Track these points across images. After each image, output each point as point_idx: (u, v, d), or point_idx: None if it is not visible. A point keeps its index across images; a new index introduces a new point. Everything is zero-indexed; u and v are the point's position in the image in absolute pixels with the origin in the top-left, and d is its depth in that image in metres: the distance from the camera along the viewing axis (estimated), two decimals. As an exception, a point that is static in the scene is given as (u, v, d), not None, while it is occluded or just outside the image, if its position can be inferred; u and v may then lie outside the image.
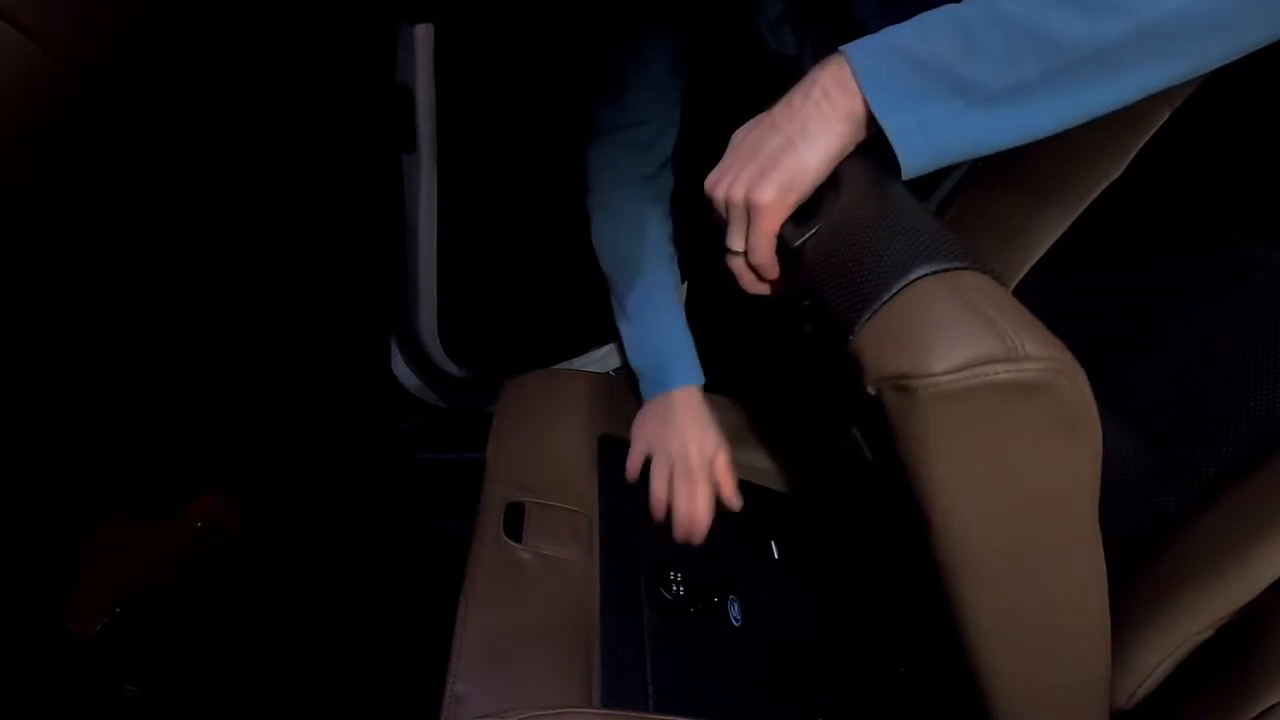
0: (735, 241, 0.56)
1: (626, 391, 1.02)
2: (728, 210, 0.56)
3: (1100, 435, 0.41)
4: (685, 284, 1.40)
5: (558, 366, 1.18)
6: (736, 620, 0.78)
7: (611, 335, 1.34)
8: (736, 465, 0.86)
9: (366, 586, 1.15)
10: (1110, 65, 0.45)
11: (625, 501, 0.88)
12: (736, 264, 0.58)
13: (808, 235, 0.50)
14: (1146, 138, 0.73)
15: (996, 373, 0.38)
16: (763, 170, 0.53)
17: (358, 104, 1.04)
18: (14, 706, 0.92)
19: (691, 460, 0.84)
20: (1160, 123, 0.73)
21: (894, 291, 0.41)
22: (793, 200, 0.53)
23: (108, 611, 1.00)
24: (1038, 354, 0.38)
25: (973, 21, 0.47)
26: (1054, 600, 0.48)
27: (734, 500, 0.84)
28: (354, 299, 1.18)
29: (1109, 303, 0.69)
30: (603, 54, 0.84)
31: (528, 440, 0.92)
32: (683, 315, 0.93)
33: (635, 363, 0.93)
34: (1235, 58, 0.45)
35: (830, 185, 0.52)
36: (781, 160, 0.53)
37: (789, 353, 0.91)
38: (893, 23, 0.51)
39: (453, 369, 1.25)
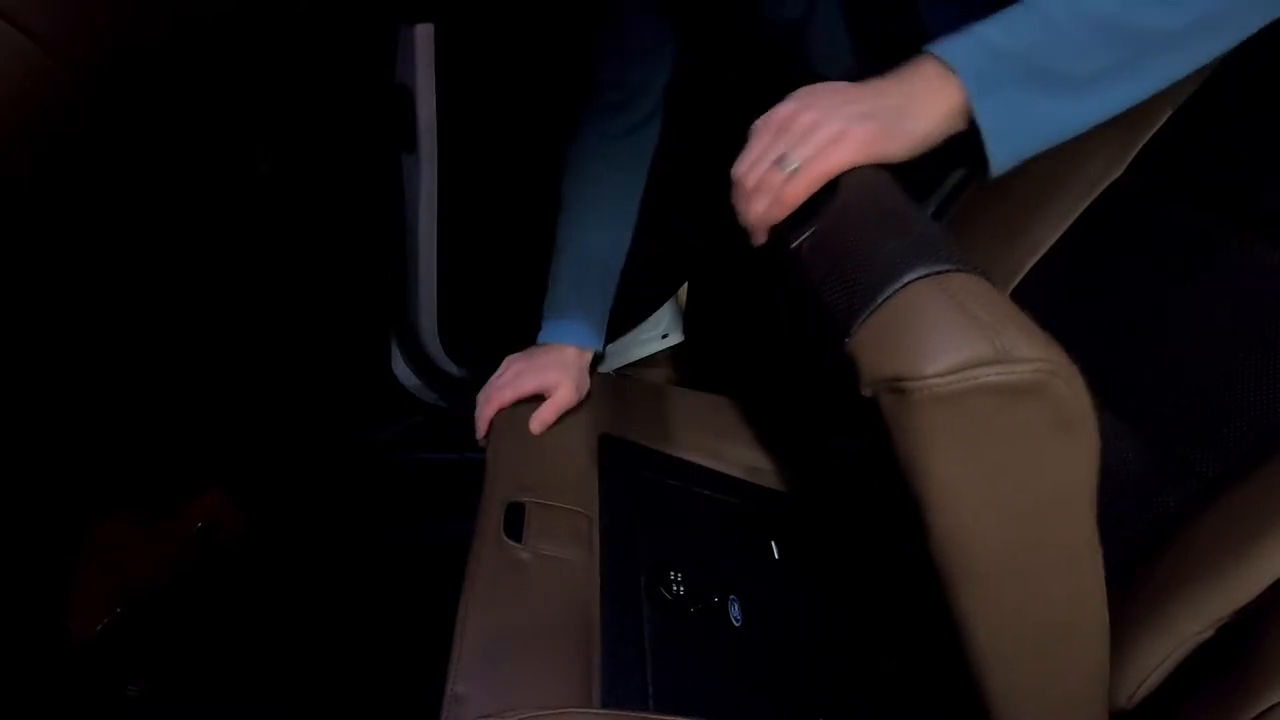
0: (797, 155, 0.52)
1: (626, 391, 1.02)
2: (796, 132, 0.52)
3: (1097, 436, 0.41)
4: (685, 284, 1.40)
5: (558, 367, 1.18)
6: (737, 620, 0.78)
7: (612, 335, 1.35)
8: (736, 465, 0.86)
9: (366, 586, 1.15)
10: (1176, 48, 0.51)
11: (625, 501, 0.88)
12: (775, 180, 0.53)
13: (805, 236, 0.50)
14: (1147, 138, 0.73)
15: (988, 375, 0.38)
16: (868, 116, 0.52)
17: (358, 104, 1.04)
18: (14, 706, 0.92)
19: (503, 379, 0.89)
20: (1160, 123, 0.73)
21: (888, 294, 0.41)
22: (881, 149, 0.51)
23: (108, 611, 1.00)
24: (1029, 355, 0.38)
25: (1058, 16, 0.51)
26: (1053, 600, 0.48)
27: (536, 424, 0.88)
28: (354, 299, 1.18)
29: (1109, 303, 0.69)
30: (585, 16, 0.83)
31: (528, 440, 0.92)
32: (594, 275, 0.94)
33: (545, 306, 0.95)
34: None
35: (828, 187, 0.52)
36: (889, 119, 0.52)
37: (789, 353, 0.91)
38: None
39: (453, 369, 1.25)
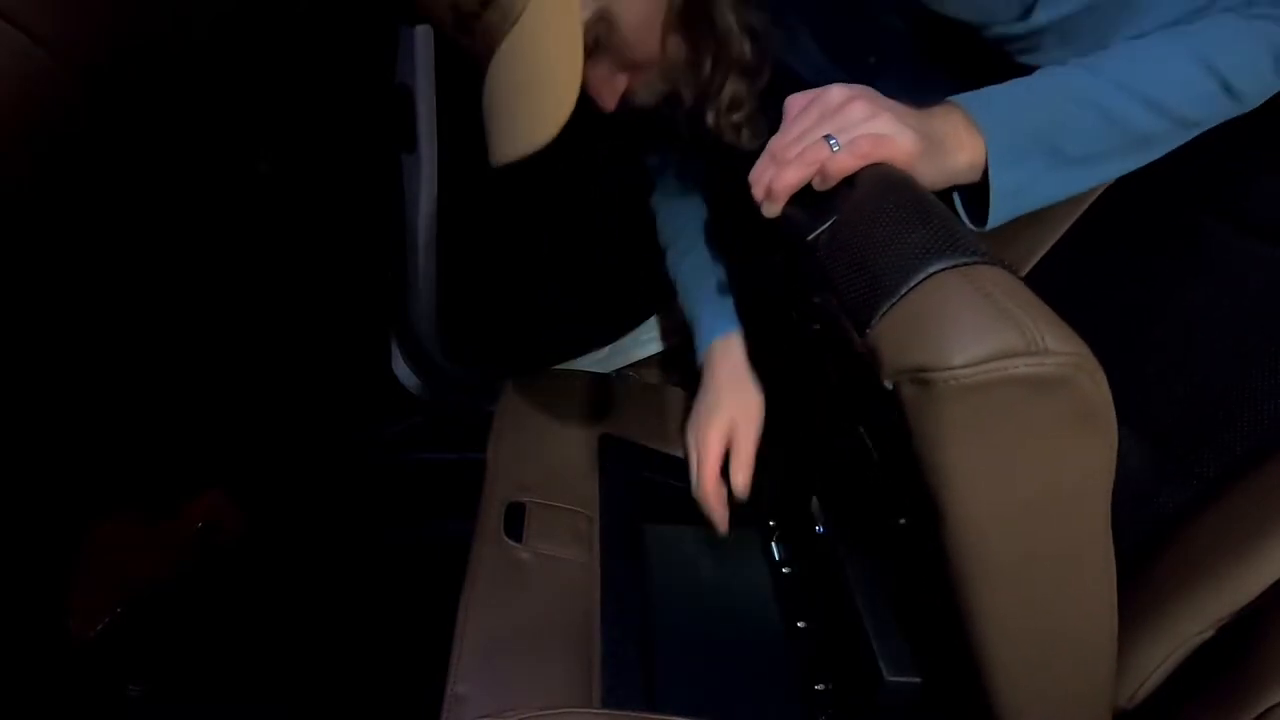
0: (846, 136, 0.53)
1: (627, 392, 1.02)
2: (848, 116, 0.53)
3: (1116, 432, 0.41)
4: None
5: (558, 367, 1.18)
6: (737, 620, 0.78)
7: (612, 336, 1.35)
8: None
9: (367, 586, 1.15)
10: (1153, 143, 0.59)
11: (625, 501, 0.88)
12: (820, 152, 0.54)
13: (823, 228, 0.49)
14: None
15: (1016, 367, 0.38)
16: (916, 130, 0.53)
17: (358, 104, 1.04)
18: (14, 706, 0.92)
19: (714, 419, 0.83)
20: (1161, 123, 0.72)
21: (912, 285, 0.41)
22: (916, 166, 0.53)
23: (108, 611, 1.00)
24: (1058, 349, 0.38)
25: (1075, 100, 0.57)
26: (1065, 597, 0.48)
27: (740, 487, 0.81)
28: (354, 299, 1.18)
29: (1109, 303, 0.69)
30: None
31: (528, 440, 0.92)
32: (712, 271, 0.90)
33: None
34: None
35: (845, 181, 0.52)
36: (930, 143, 0.54)
37: (791, 351, 0.91)
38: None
39: (453, 369, 1.25)
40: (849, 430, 0.73)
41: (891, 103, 0.55)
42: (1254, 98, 0.58)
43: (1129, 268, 0.70)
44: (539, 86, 0.58)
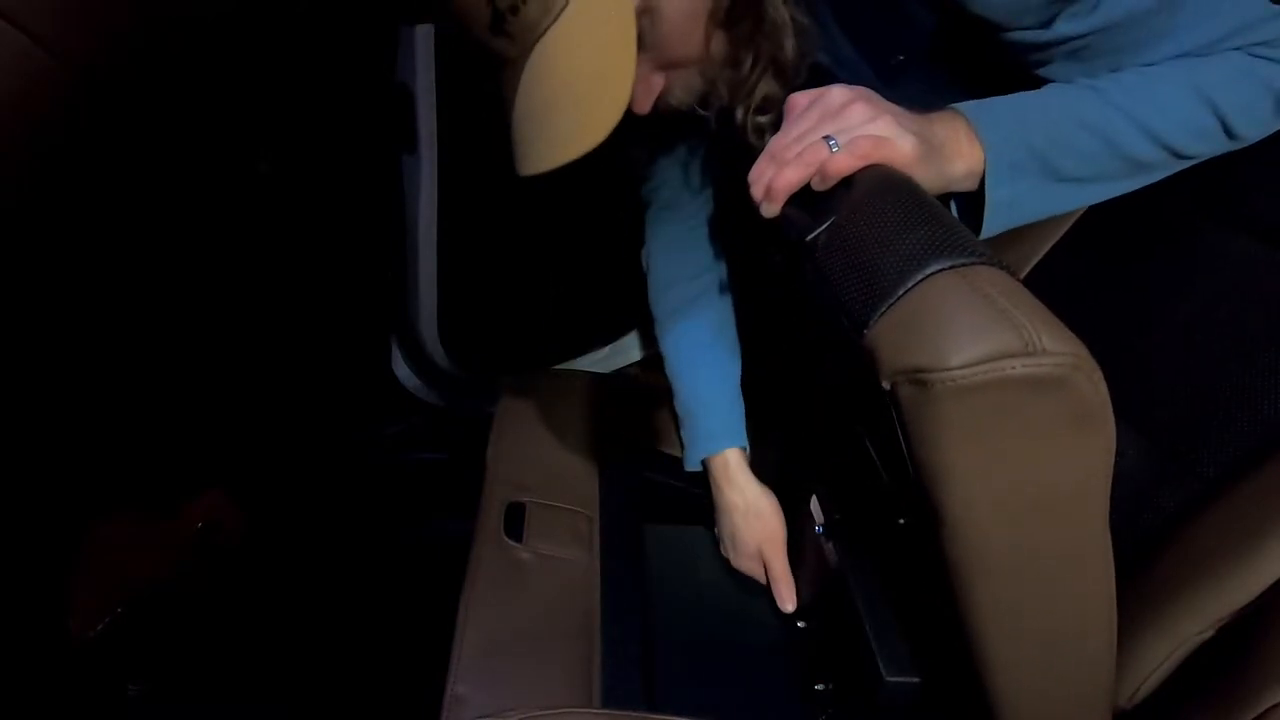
0: (845, 137, 0.53)
1: (626, 392, 1.02)
2: (848, 118, 0.53)
3: (1114, 432, 0.41)
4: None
5: (558, 367, 1.18)
6: (737, 619, 0.78)
7: (612, 336, 1.35)
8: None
9: (367, 586, 1.15)
10: (1148, 170, 0.60)
11: (625, 501, 0.88)
12: (820, 153, 0.53)
13: (822, 229, 0.49)
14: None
15: (1014, 367, 0.38)
16: (916, 135, 0.53)
17: (358, 104, 1.04)
18: (14, 706, 0.92)
19: (743, 548, 0.83)
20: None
21: (910, 285, 0.41)
22: (915, 170, 0.53)
23: (108, 611, 1.00)
24: (1055, 349, 0.38)
25: (1078, 121, 0.58)
26: (1063, 597, 0.48)
27: (787, 603, 0.80)
28: (354, 299, 1.18)
29: (1109, 303, 0.69)
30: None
31: (528, 440, 0.92)
32: (719, 376, 0.87)
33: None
34: None
35: (844, 182, 0.52)
36: (930, 148, 0.54)
37: (790, 351, 0.91)
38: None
39: (453, 369, 1.25)
40: (849, 430, 0.73)
41: (893, 106, 0.55)
42: (1251, 137, 0.60)
43: (1129, 269, 0.70)
44: (587, 85, 0.56)
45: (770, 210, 0.55)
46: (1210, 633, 0.55)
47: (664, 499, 0.89)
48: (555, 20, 0.54)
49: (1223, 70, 0.57)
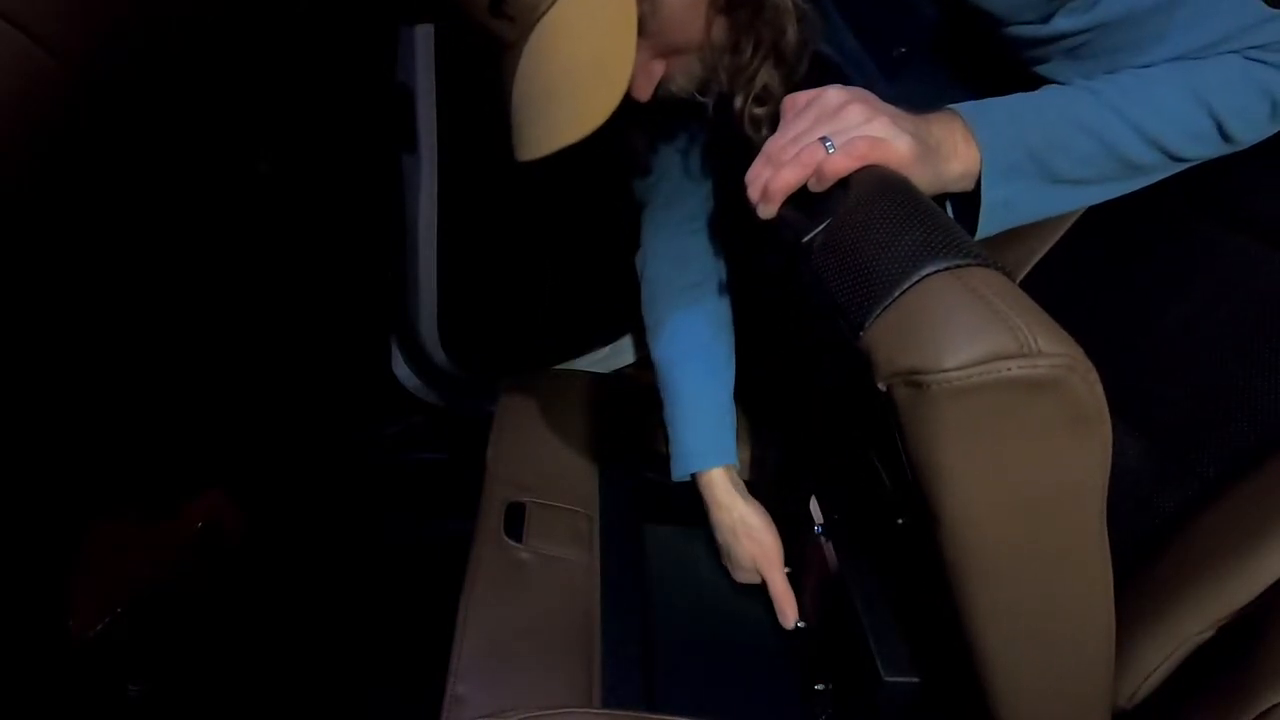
0: (841, 139, 0.53)
1: (627, 392, 1.02)
2: (845, 119, 0.53)
3: (1110, 434, 0.41)
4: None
5: (558, 367, 1.18)
6: (737, 619, 0.78)
7: (612, 336, 1.35)
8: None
9: (367, 586, 1.15)
10: (1144, 173, 0.61)
11: (625, 501, 0.88)
12: (816, 154, 0.53)
13: (818, 230, 0.49)
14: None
15: (1009, 369, 0.38)
16: (912, 135, 0.53)
17: (358, 104, 1.04)
18: (14, 706, 0.92)
19: (737, 564, 0.82)
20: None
21: (906, 287, 0.41)
22: (912, 171, 0.53)
23: (108, 611, 1.00)
24: (1051, 350, 0.38)
25: (1074, 123, 0.58)
26: (1061, 598, 0.48)
27: (789, 619, 0.79)
28: (354, 299, 1.18)
29: (1109, 303, 0.69)
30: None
31: (528, 440, 0.92)
32: (711, 390, 0.85)
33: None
34: None
35: (840, 183, 0.52)
36: (926, 149, 0.54)
37: (789, 351, 0.91)
38: None
39: (453, 369, 1.25)
40: (847, 431, 0.73)
41: (889, 107, 0.55)
42: (1247, 140, 0.60)
43: (1128, 268, 0.70)
44: (586, 69, 0.55)
45: (767, 211, 0.55)
46: (1210, 633, 0.55)
47: (664, 499, 0.88)
48: (555, 2, 0.53)
49: (1219, 73, 0.57)
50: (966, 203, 0.60)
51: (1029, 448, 0.41)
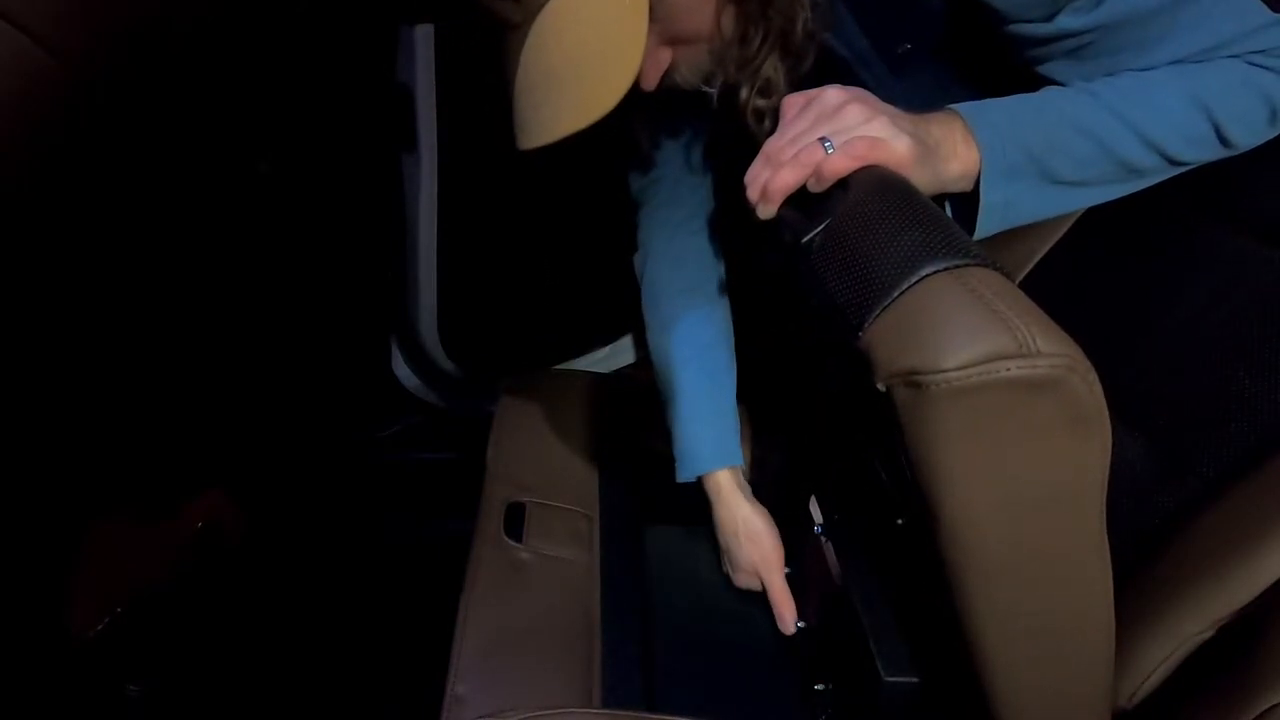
0: (840, 139, 0.53)
1: (627, 392, 1.02)
2: (844, 119, 0.53)
3: (1109, 434, 0.41)
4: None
5: (558, 367, 1.18)
6: (737, 619, 0.78)
7: (612, 336, 1.35)
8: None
9: (367, 586, 1.15)
10: (1142, 176, 0.61)
11: (625, 501, 0.88)
12: (815, 155, 0.53)
13: (817, 231, 0.50)
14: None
15: (1008, 369, 0.38)
16: (912, 135, 0.53)
17: (358, 104, 1.04)
18: (14, 706, 0.92)
19: (738, 567, 0.81)
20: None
21: (905, 287, 0.41)
22: (911, 171, 0.53)
23: (108, 611, 1.00)
24: (1050, 350, 0.38)
25: (1074, 125, 0.58)
26: (1060, 598, 0.48)
27: (788, 624, 0.78)
28: (354, 299, 1.18)
29: (1110, 303, 0.69)
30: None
31: (528, 440, 0.92)
32: (714, 391, 0.83)
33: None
34: None
35: (840, 183, 0.52)
36: (925, 149, 0.54)
37: (789, 351, 0.91)
38: None
39: (453, 369, 1.25)
40: (848, 431, 0.73)
41: (888, 107, 0.55)
42: (1244, 145, 0.60)
43: (1128, 268, 0.70)
44: (595, 53, 0.54)
45: (766, 212, 0.55)
46: (1210, 633, 0.55)
47: (664, 499, 0.88)
48: None
49: (1219, 77, 0.58)
50: (965, 203, 0.60)
51: (1028, 448, 0.41)
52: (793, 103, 0.56)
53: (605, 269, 1.19)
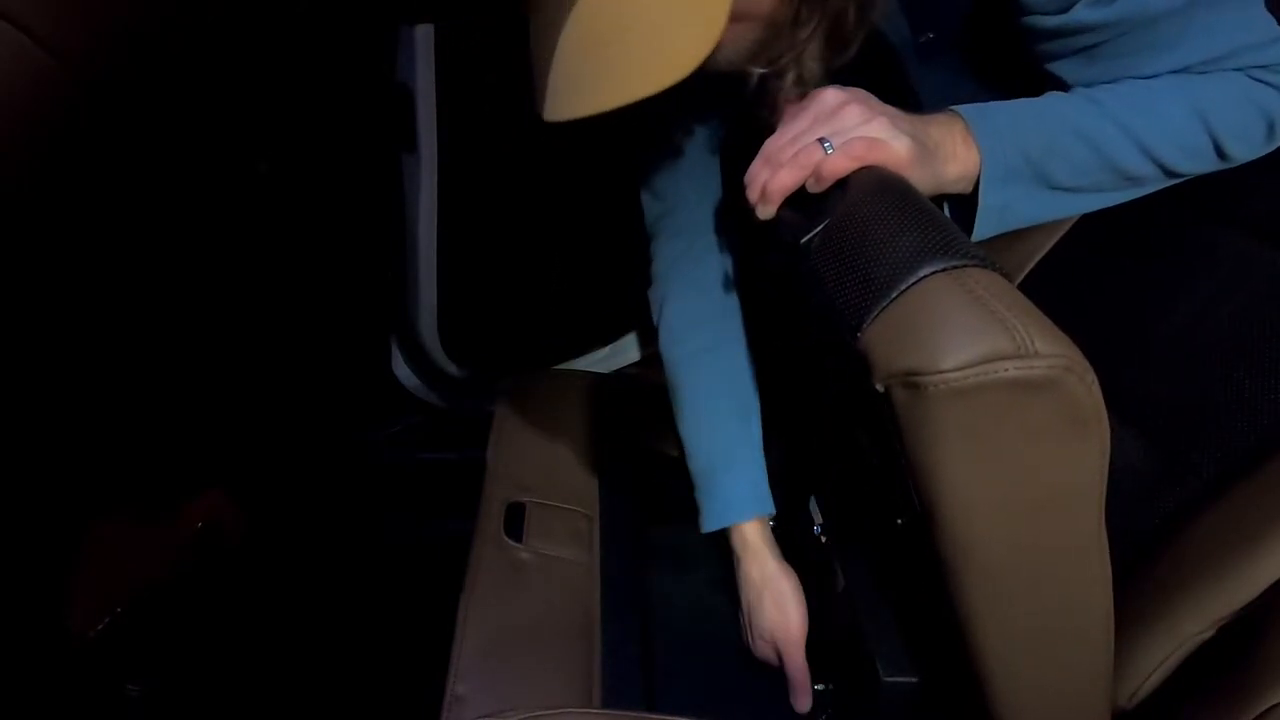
0: (839, 139, 0.52)
1: (627, 392, 1.02)
2: (843, 120, 0.53)
3: (1108, 435, 0.41)
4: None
5: (558, 367, 1.18)
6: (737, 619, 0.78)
7: (612, 336, 1.35)
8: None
9: (367, 586, 1.15)
10: (1139, 184, 0.62)
11: (625, 501, 0.88)
12: (814, 155, 0.52)
13: (815, 232, 0.50)
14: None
15: (1006, 369, 0.38)
16: (911, 136, 0.53)
17: (358, 104, 1.04)
18: (14, 706, 0.92)
19: (756, 630, 0.75)
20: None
21: (903, 288, 0.41)
22: (910, 172, 0.52)
23: (108, 611, 1.00)
24: (1048, 351, 0.38)
25: (1074, 132, 0.58)
26: (1059, 599, 0.48)
27: (801, 701, 0.72)
28: (354, 299, 1.18)
29: (1110, 303, 0.69)
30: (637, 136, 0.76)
31: (528, 440, 0.92)
32: (744, 433, 0.79)
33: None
34: None
35: (839, 184, 0.52)
36: (924, 150, 0.54)
37: (789, 352, 0.91)
38: None
39: (453, 369, 1.25)
40: (847, 430, 0.73)
41: (888, 107, 0.55)
42: (1241, 159, 0.60)
43: (1129, 269, 0.70)
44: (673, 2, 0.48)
45: (766, 212, 0.55)
46: (1210, 633, 0.55)
47: (664, 499, 0.88)
48: None
49: (1220, 91, 0.58)
50: (964, 205, 0.60)
51: (1027, 448, 0.41)
52: (792, 104, 0.56)
53: (606, 269, 1.19)
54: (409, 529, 1.24)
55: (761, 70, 0.61)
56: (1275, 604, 0.52)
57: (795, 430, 0.89)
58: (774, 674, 0.74)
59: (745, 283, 0.85)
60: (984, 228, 0.60)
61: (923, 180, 0.54)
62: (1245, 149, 0.60)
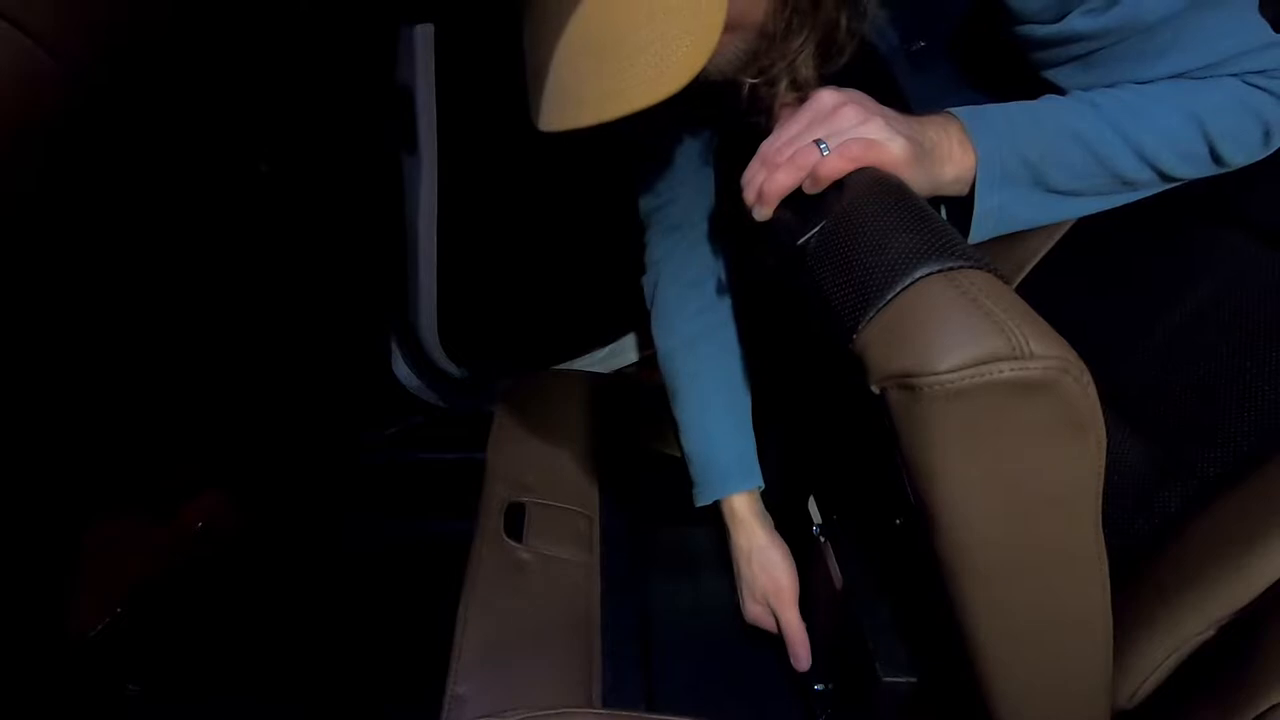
0: (835, 141, 0.53)
1: (627, 392, 1.02)
2: (839, 122, 0.53)
3: (1105, 436, 0.41)
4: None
5: (558, 367, 1.18)
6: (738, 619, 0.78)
7: (612, 336, 1.35)
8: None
9: (366, 586, 1.15)
10: (1134, 189, 0.62)
11: (625, 502, 0.88)
12: (811, 157, 0.52)
13: (812, 233, 0.50)
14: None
15: (1001, 371, 0.38)
16: (907, 137, 0.53)
17: (358, 104, 1.04)
18: (14, 706, 0.92)
19: (749, 595, 0.78)
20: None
21: (899, 289, 0.41)
22: (906, 172, 0.53)
23: (107, 611, 1.00)
24: (1043, 353, 0.38)
25: (1070, 136, 0.59)
26: (1057, 600, 0.48)
27: (801, 659, 0.75)
28: (354, 299, 1.18)
29: (1108, 303, 0.69)
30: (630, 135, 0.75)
31: (528, 440, 0.92)
32: (732, 412, 0.81)
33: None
34: None
35: (835, 185, 0.52)
36: (921, 151, 0.54)
37: (788, 352, 0.91)
38: None
39: (453, 369, 1.25)
40: (845, 431, 0.73)
41: (884, 109, 0.55)
42: (1236, 164, 0.60)
43: (1129, 268, 0.70)
44: (669, 8, 0.48)
45: (762, 214, 0.55)
46: (1210, 633, 0.55)
47: (664, 499, 0.89)
48: None
49: (1217, 96, 0.58)
50: (960, 208, 0.60)
51: (1023, 450, 0.41)
52: (788, 106, 0.56)
53: (605, 269, 1.19)
54: (409, 529, 1.24)
55: (753, 80, 0.61)
56: (1275, 604, 0.52)
57: (794, 430, 0.89)
58: (774, 674, 0.74)
59: (741, 283, 0.85)
60: (980, 230, 0.60)
61: (919, 182, 0.54)
62: (1241, 154, 0.60)
